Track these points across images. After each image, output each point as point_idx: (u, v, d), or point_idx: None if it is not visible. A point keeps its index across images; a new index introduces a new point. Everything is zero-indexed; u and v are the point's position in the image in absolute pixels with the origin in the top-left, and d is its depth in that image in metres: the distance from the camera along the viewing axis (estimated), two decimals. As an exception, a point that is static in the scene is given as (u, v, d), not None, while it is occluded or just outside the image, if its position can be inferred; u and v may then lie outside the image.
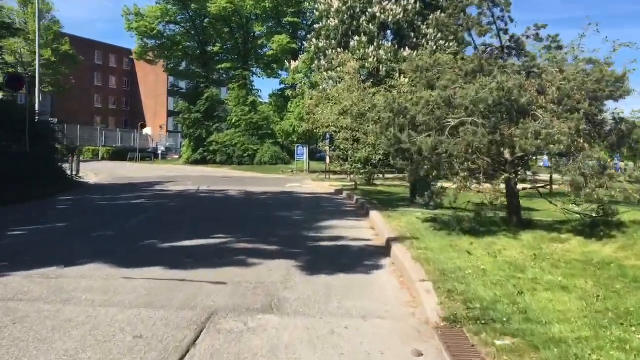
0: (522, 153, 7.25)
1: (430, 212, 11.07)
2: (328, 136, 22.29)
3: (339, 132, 19.66)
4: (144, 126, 49.05)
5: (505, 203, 8.67)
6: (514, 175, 7.99)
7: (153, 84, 69.60)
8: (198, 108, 38.61)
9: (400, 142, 7.52)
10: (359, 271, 6.21)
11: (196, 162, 38.55)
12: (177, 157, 46.29)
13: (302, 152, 29.06)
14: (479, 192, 8.28)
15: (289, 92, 30.58)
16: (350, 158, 19.07)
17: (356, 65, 22.00)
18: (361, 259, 6.86)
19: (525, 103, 7.14)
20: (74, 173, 19.60)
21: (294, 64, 29.87)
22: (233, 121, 38.11)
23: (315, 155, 37.46)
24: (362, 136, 18.94)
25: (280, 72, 38.05)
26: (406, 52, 26.03)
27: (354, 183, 18.89)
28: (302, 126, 23.31)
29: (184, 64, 44.09)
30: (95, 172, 27.19)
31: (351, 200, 14.83)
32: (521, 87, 7.24)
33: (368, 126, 18.99)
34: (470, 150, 7.35)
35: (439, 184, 8.49)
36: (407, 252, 6.67)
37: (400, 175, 26.12)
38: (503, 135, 7.30)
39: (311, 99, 22.66)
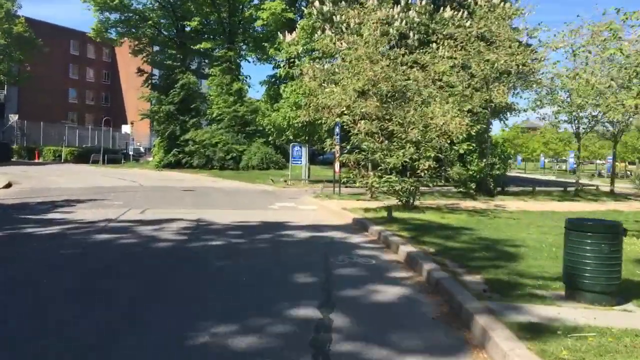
0: None
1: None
2: (338, 130, 14.66)
3: (357, 123, 12.05)
4: (108, 122, 41.51)
5: None
6: None
7: (136, 77, 61.64)
8: (171, 99, 30.87)
9: None
10: None
11: (170, 166, 30.98)
12: (151, 159, 38.74)
13: (300, 153, 21.45)
14: None
15: (281, 72, 22.80)
16: (381, 165, 11.42)
17: (378, 24, 14.38)
18: None
19: None
20: None
21: (289, 37, 22.23)
22: (214, 115, 30.46)
23: (317, 158, 29.76)
24: (397, 129, 11.34)
25: (274, 51, 30.16)
26: (447, 14, 18.48)
27: (385, 207, 11.26)
28: (299, 116, 15.67)
29: (155, 46, 36.17)
30: (19, 179, 19.97)
31: (395, 254, 7.22)
32: None
33: (408, 111, 11.45)
34: None
35: None
36: None
37: (437, 189, 18.38)
38: None
39: (314, 78, 15.10)
